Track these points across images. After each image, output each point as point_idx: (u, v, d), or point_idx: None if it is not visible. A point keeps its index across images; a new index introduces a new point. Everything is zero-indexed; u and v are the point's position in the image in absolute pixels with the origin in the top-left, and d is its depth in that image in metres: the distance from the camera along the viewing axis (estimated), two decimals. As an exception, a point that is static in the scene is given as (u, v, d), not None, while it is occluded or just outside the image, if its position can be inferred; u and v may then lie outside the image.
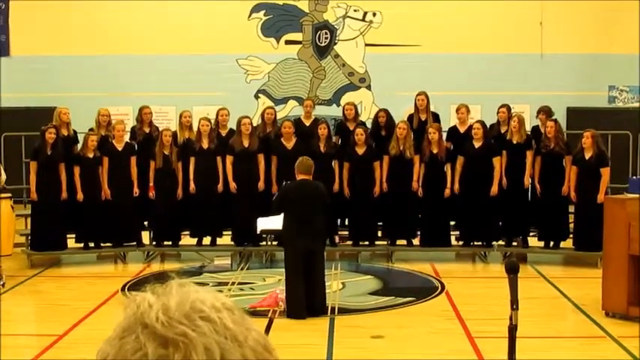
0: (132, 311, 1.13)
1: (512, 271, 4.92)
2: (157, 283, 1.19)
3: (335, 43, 19.36)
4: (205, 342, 1.08)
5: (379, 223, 13.45)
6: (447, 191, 13.00)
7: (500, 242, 13.35)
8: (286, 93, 19.29)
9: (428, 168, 13.04)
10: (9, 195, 12.97)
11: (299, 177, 10.02)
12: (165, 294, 1.14)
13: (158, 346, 1.08)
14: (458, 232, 13.36)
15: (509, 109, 13.53)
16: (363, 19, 19.29)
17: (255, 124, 13.77)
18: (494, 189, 12.87)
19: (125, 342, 1.11)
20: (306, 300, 9.73)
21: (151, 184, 13.23)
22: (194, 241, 13.52)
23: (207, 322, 1.11)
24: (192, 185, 13.16)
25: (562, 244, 13.06)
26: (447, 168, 13.08)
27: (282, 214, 10.02)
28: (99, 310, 10.20)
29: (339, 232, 13.58)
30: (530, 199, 12.99)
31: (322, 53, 19.37)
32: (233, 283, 11.64)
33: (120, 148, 13.18)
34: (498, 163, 12.90)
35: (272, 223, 10.57)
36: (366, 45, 19.28)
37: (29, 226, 13.42)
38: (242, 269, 12.84)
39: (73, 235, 13.24)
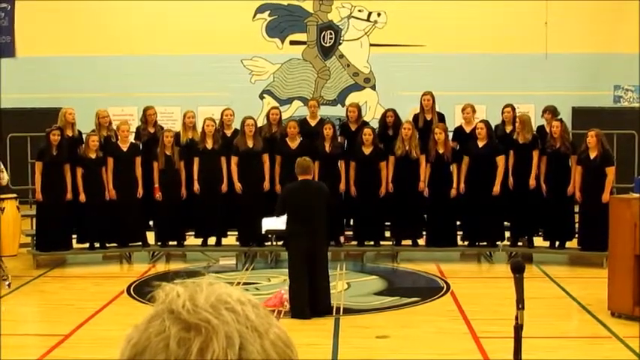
0: (160, 300, 1.18)
1: (517, 270, 4.91)
2: (189, 279, 1.24)
3: (339, 44, 19.38)
4: (227, 330, 1.12)
5: (386, 224, 13.44)
6: (454, 191, 13.00)
7: (506, 242, 13.34)
8: (291, 93, 19.31)
9: (434, 168, 13.04)
10: (14, 195, 12.97)
11: (300, 177, 10.03)
12: (195, 287, 1.19)
13: (181, 330, 1.12)
14: (462, 232, 13.35)
15: (514, 109, 13.51)
16: (368, 20, 19.30)
17: (260, 125, 13.78)
18: (497, 188, 12.86)
19: (151, 326, 1.15)
20: (310, 300, 9.74)
21: (156, 185, 13.24)
22: (199, 241, 13.53)
23: (231, 312, 1.14)
24: (196, 185, 13.17)
25: (567, 244, 13.04)
26: (453, 168, 13.07)
27: (285, 215, 10.03)
28: (104, 310, 10.22)
29: (345, 232, 13.58)
30: (535, 199, 12.96)
31: (327, 53, 19.38)
32: (238, 284, 11.63)
33: (125, 149, 13.19)
34: (502, 162, 12.88)
35: (277, 223, 10.56)
36: (371, 45, 19.29)
37: (35, 227, 13.43)
38: (247, 269, 12.85)
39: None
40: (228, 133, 13.54)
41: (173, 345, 1.11)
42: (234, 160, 13.15)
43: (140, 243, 13.43)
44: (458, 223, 13.32)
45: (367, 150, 13.07)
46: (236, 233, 13.49)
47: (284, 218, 10.08)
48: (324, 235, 10.16)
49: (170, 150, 13.14)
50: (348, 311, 10.13)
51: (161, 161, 13.11)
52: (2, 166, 13.15)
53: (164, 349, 1.12)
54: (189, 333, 1.12)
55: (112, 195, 13.06)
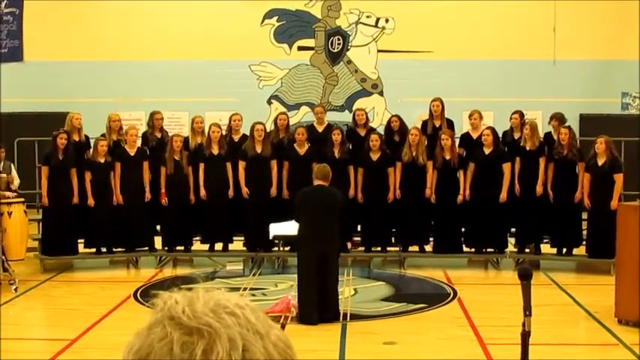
0: (159, 307, 1.19)
1: (525, 277, 4.90)
2: (185, 287, 1.25)
3: (347, 49, 19.39)
4: (229, 333, 1.14)
5: (392, 230, 13.43)
6: (460, 197, 12.98)
7: (513, 249, 13.32)
8: (299, 99, 19.32)
9: (440, 174, 13.03)
10: (22, 200, 13.00)
11: (316, 183, 10.02)
12: (192, 294, 1.21)
13: (183, 334, 1.14)
14: (469, 239, 13.32)
15: (522, 115, 13.51)
16: (376, 25, 19.30)
17: (267, 130, 13.79)
18: (503, 195, 12.85)
19: (152, 332, 1.17)
20: (318, 305, 9.72)
21: (162, 190, 13.25)
22: (206, 246, 13.54)
23: (232, 315, 1.16)
24: (202, 191, 13.18)
25: (575, 251, 13.01)
26: (460, 174, 13.06)
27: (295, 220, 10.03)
28: (111, 314, 10.22)
29: (352, 238, 13.57)
30: (542, 205, 12.93)
31: (335, 59, 19.40)
32: (245, 289, 11.63)
33: (132, 154, 13.21)
34: (508, 169, 12.87)
35: (284, 228, 10.54)
36: (379, 51, 19.29)
37: (42, 231, 13.45)
38: (254, 275, 12.84)
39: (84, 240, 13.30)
40: (236, 138, 13.55)
41: (177, 349, 1.13)
42: (242, 165, 13.15)
43: (147, 248, 13.45)
44: (464, 229, 13.31)
45: (375, 156, 13.07)
46: (243, 238, 13.49)
47: (292, 224, 10.07)
48: (336, 240, 10.16)
49: (179, 155, 13.15)
50: (355, 317, 10.11)
51: (169, 166, 13.13)
52: (14, 169, 13.20)
53: (168, 353, 1.13)
54: (192, 337, 1.13)
55: (119, 199, 13.08)
